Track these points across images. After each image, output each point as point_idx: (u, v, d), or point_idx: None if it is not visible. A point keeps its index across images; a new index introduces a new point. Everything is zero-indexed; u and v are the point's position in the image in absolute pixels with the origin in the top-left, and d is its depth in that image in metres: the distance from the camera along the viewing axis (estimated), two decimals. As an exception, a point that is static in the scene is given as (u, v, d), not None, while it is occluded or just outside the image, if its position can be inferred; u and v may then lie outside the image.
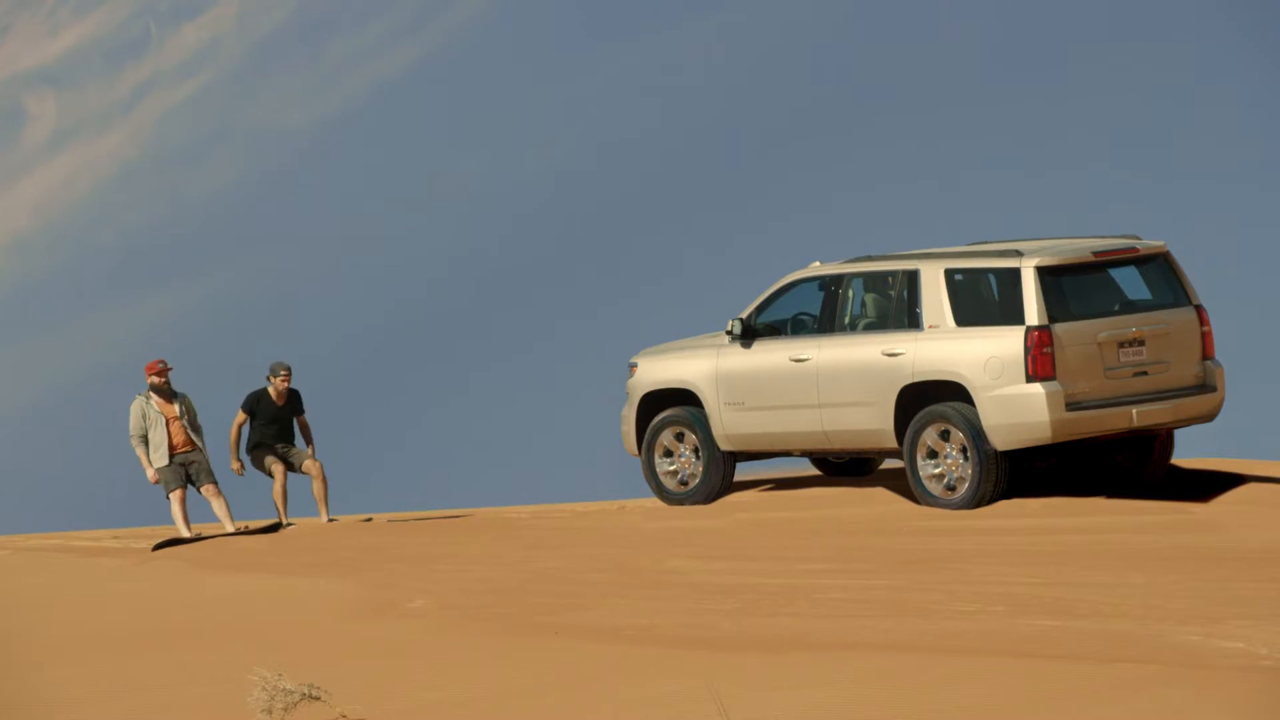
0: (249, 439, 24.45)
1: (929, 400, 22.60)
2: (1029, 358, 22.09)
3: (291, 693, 14.23)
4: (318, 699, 14.22)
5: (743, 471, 24.51)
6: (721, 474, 23.95)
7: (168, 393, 23.08)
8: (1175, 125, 45.22)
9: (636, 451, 24.43)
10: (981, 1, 46.81)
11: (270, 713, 14.11)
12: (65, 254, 47.42)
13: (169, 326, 47.01)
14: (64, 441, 46.13)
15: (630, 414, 24.40)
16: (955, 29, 45.85)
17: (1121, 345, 22.45)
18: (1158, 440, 23.35)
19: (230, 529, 23.49)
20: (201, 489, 23.77)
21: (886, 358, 22.73)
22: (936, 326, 22.59)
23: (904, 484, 23.33)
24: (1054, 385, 22.06)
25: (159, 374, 23.09)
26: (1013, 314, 22.29)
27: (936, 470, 22.55)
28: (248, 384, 24.61)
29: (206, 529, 24.59)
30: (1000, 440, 22.21)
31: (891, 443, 22.87)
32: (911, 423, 22.61)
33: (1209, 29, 45.22)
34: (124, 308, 47.70)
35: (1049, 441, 22.28)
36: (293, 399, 24.58)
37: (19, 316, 47.91)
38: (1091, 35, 45.93)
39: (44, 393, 47.38)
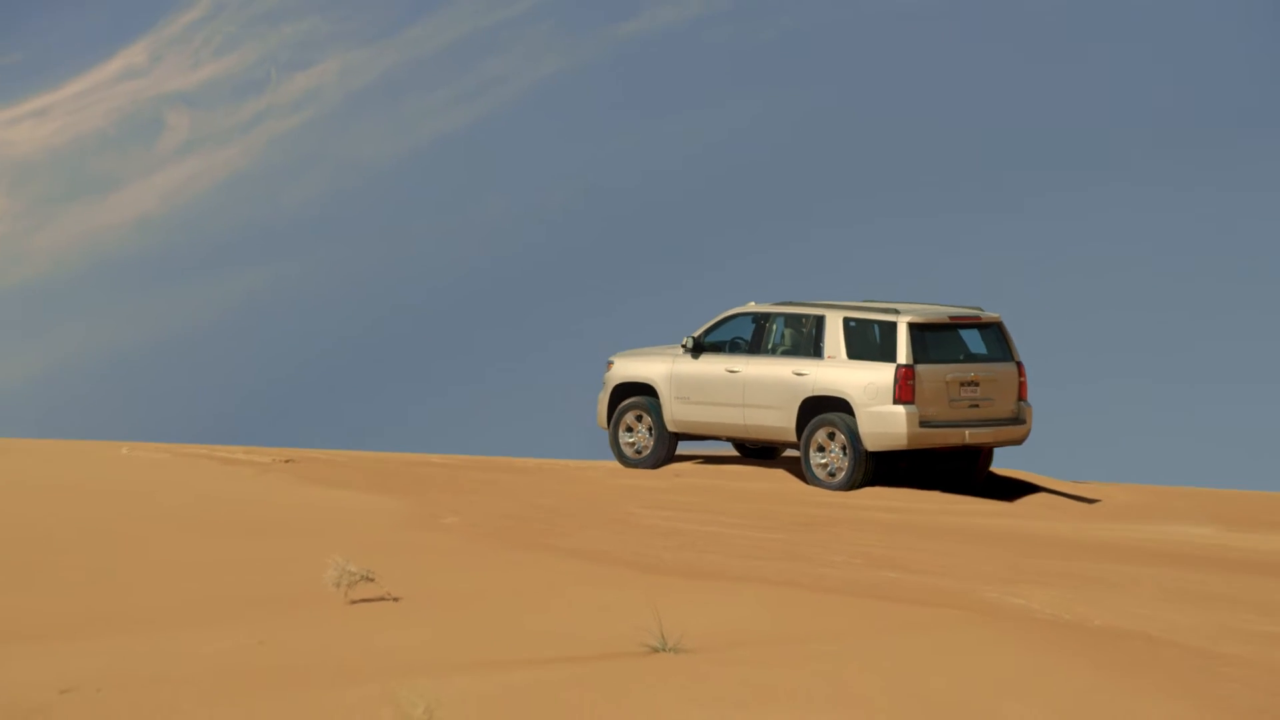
0: None
1: (822, 409, 22.82)
2: (896, 386, 22.32)
3: (354, 574, 14.09)
4: (372, 580, 14.12)
5: (683, 448, 24.73)
6: (667, 448, 24.18)
7: None
8: (1016, 204, 44.79)
9: (606, 426, 24.49)
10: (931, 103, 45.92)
11: (339, 586, 14.02)
12: (183, 234, 46.43)
13: (256, 298, 46.37)
14: (184, 372, 45.62)
15: (604, 398, 24.47)
16: (888, 134, 45.31)
17: (962, 384, 22.67)
18: (982, 454, 23.59)
19: None
20: None
21: (795, 376, 22.99)
22: (833, 357, 22.81)
23: (798, 468, 23.71)
24: (912, 408, 22.31)
25: None
26: (888, 354, 22.50)
27: (823, 461, 22.82)
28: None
29: None
30: (871, 444, 22.52)
31: (793, 438, 23.11)
32: (808, 425, 22.85)
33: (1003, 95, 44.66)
34: (223, 280, 46.98)
35: (905, 448, 22.50)
36: None
37: (146, 277, 47.10)
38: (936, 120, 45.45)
39: (156, 338, 46.92)
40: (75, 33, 47.03)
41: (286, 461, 23.78)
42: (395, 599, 14.11)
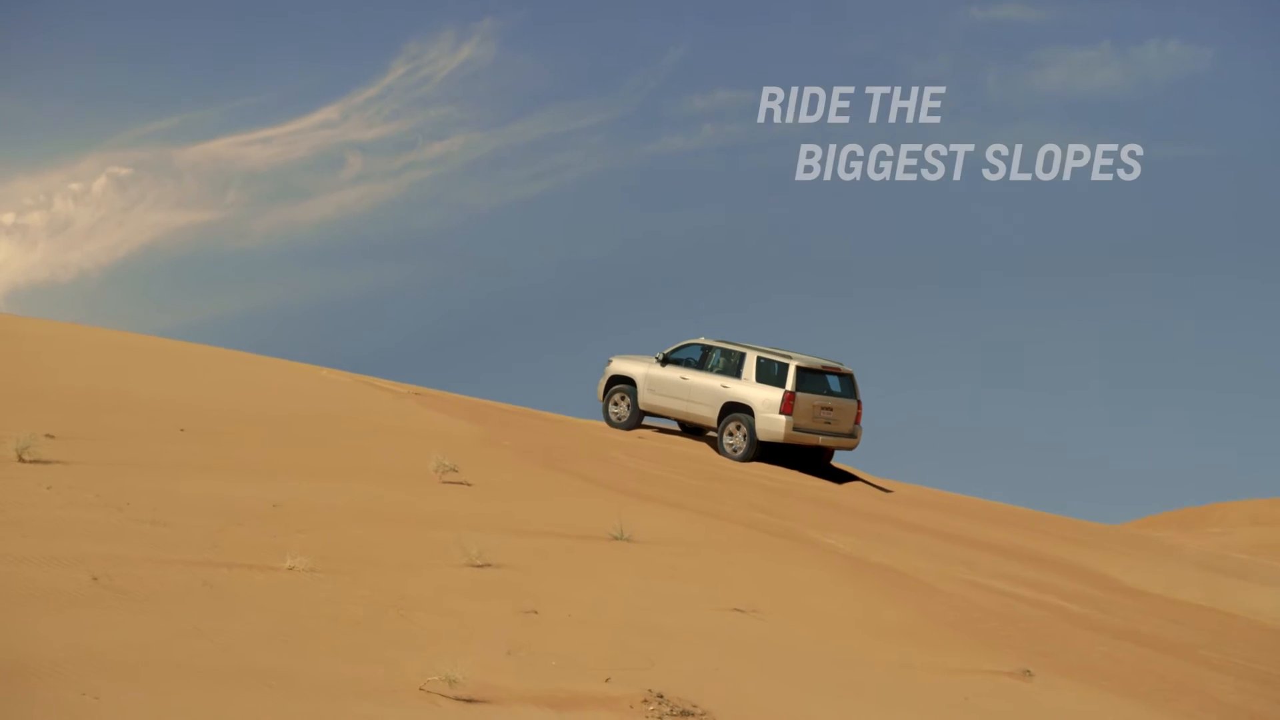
0: None
1: (735, 411, 22.41)
2: (782, 403, 22.09)
3: (445, 465, 14.33)
4: (456, 471, 14.35)
5: (647, 422, 24.18)
6: (639, 420, 23.65)
7: None
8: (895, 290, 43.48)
9: (601, 400, 23.92)
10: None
11: (435, 471, 14.17)
12: (350, 235, 44.74)
13: (394, 283, 45.08)
14: (346, 327, 44.89)
15: (602, 383, 23.91)
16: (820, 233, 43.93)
17: (822, 408, 22.37)
18: (826, 452, 23.24)
19: None
20: None
21: (721, 387, 22.62)
22: (747, 379, 22.42)
23: (715, 444, 23.14)
24: (790, 418, 22.09)
25: None
26: (781, 382, 22.20)
27: (731, 442, 22.43)
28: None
29: None
30: (762, 436, 22.19)
31: (715, 425, 22.67)
32: (725, 418, 22.48)
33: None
34: (373, 268, 45.41)
35: (783, 441, 22.18)
36: None
37: (323, 260, 45.49)
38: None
39: (327, 301, 45.82)
40: (293, 91, 46.14)
41: (415, 394, 23.66)
42: (469, 485, 14.16)
